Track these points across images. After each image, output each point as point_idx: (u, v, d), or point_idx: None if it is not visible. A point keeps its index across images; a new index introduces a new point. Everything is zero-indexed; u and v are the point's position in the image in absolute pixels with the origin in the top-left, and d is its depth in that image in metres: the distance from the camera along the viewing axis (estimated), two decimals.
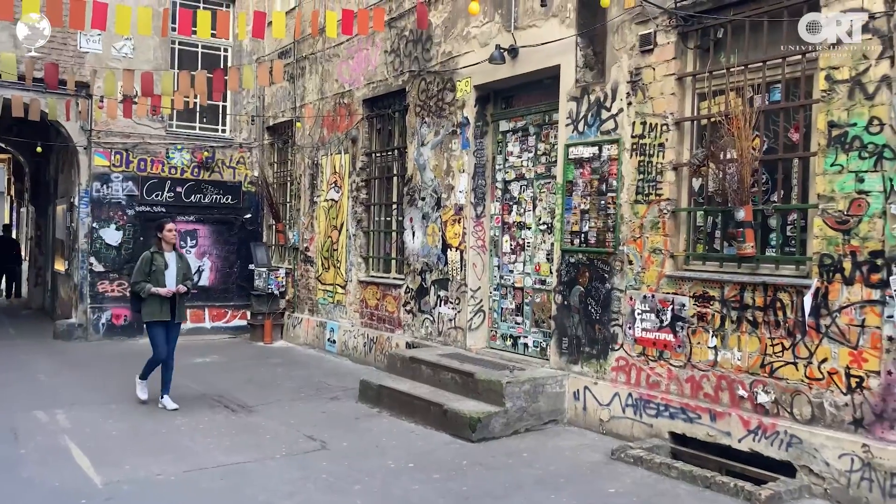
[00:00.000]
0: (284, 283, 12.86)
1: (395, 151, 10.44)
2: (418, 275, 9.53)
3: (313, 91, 12.11)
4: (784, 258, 5.78)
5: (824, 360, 5.31)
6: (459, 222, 8.83)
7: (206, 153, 13.19)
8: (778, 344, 5.58)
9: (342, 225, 11.26)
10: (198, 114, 13.47)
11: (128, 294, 7.53)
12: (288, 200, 13.31)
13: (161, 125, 12.88)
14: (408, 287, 9.74)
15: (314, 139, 12.07)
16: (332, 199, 11.56)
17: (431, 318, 9.28)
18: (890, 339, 4.96)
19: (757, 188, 5.88)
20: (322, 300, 11.81)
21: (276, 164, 13.96)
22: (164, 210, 12.87)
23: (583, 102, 7.24)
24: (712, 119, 6.13)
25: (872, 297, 5.05)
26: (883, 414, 4.98)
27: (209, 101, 12.20)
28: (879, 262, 5.02)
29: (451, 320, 8.95)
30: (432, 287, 9.28)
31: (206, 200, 13.35)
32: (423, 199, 9.46)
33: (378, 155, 10.89)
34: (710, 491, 5.39)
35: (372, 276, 10.78)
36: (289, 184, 13.27)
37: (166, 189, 12.98)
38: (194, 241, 13.36)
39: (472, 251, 8.75)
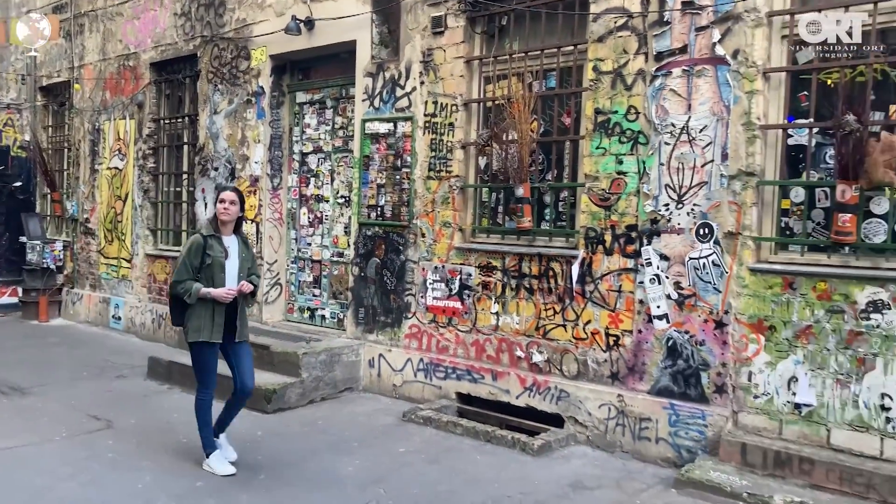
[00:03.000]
0: (62, 256, 11.93)
1: (186, 119, 10.03)
2: None
3: (94, 51, 11.26)
4: (556, 231, 6.37)
5: (588, 322, 5.96)
6: (255, 194, 8.71)
7: None
8: (550, 308, 6.17)
9: (127, 195, 10.65)
10: None
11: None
12: (66, 168, 12.31)
13: None
14: None
15: (95, 102, 11.25)
16: (116, 168, 10.87)
17: None
18: (641, 302, 5.67)
19: (534, 167, 6.42)
20: (105, 275, 11.13)
21: (51, 128, 12.84)
22: None
23: (378, 79, 7.42)
24: (496, 102, 6.57)
25: (628, 265, 5.74)
26: (634, 367, 5.71)
27: None
28: (634, 234, 5.71)
29: None
30: None
31: None
32: (217, 169, 9.20)
33: (167, 122, 10.40)
34: (491, 444, 5.88)
35: (160, 250, 10.32)
36: (66, 150, 12.27)
37: None
38: None
39: (269, 224, 8.68)
